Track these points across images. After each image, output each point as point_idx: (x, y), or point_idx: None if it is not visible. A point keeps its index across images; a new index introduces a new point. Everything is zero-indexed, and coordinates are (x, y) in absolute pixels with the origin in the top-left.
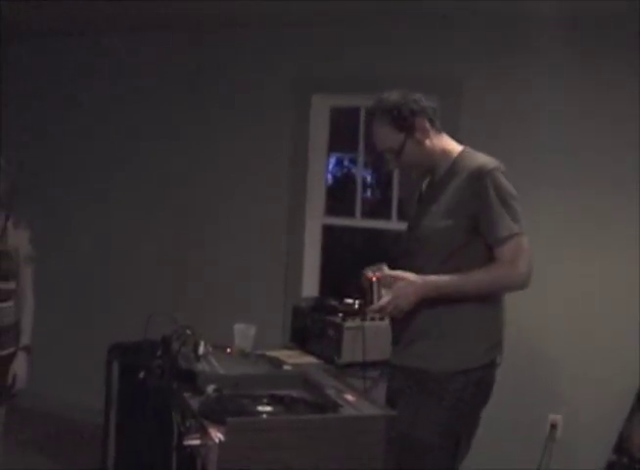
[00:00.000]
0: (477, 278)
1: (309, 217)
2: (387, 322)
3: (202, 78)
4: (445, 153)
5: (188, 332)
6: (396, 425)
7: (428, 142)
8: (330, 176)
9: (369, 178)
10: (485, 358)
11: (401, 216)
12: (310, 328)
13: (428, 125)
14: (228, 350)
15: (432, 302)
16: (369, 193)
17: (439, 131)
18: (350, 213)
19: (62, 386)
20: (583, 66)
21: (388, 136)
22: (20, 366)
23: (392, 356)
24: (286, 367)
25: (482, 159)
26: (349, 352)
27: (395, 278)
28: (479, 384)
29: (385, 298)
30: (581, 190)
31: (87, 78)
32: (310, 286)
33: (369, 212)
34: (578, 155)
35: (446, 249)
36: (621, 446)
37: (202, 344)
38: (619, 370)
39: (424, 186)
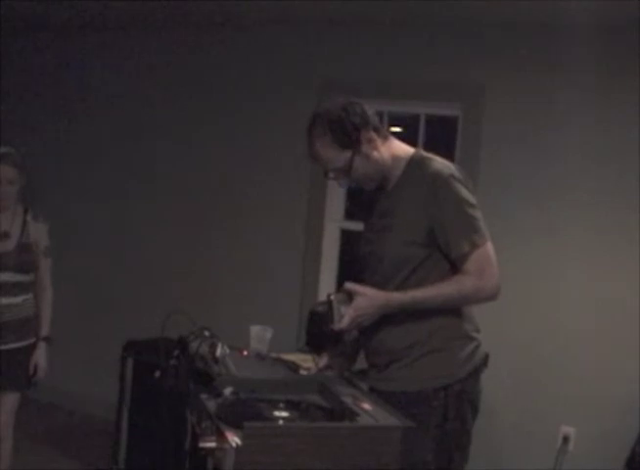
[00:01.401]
0: (443, 293)
1: (328, 221)
2: None
3: (221, 78)
4: (396, 159)
5: (206, 333)
6: None
7: (376, 153)
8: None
9: None
10: (464, 370)
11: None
12: (326, 332)
13: (374, 136)
14: (244, 352)
15: (399, 324)
16: None
17: (386, 138)
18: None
19: (76, 380)
20: (608, 75)
21: (333, 156)
22: (40, 356)
23: (369, 379)
24: (302, 371)
25: (436, 165)
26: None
27: (355, 293)
28: (461, 396)
29: (345, 317)
30: (608, 198)
31: (94, 73)
32: (327, 290)
33: None
34: (603, 163)
35: (408, 265)
36: (634, 460)
37: (219, 345)
38: (634, 383)
39: (377, 193)
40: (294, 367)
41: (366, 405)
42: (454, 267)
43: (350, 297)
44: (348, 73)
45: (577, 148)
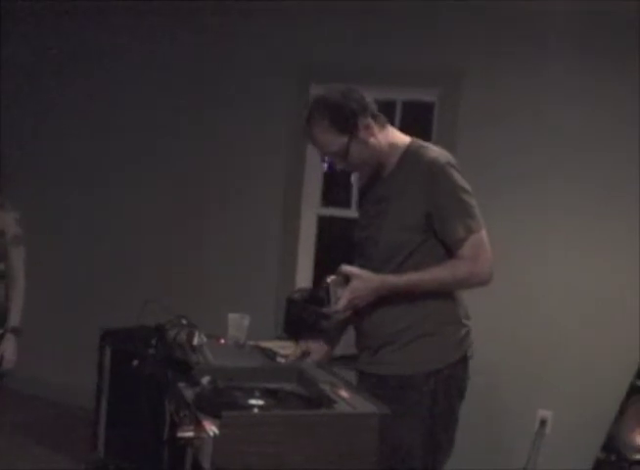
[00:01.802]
0: (437, 277)
1: (305, 207)
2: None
3: (199, 67)
4: (393, 147)
5: (183, 321)
6: None
7: (373, 139)
8: (325, 166)
9: None
10: (456, 355)
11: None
12: (304, 320)
13: (371, 122)
14: (222, 340)
15: (392, 307)
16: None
17: (384, 125)
18: (345, 204)
19: (54, 369)
20: (584, 61)
21: (330, 140)
22: (7, 348)
23: (359, 363)
24: (279, 359)
25: (432, 153)
26: (342, 345)
27: (350, 275)
28: (449, 381)
29: (341, 299)
30: (580, 185)
31: (83, 63)
32: (304, 277)
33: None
34: (579, 150)
35: (404, 250)
36: (610, 444)
37: (197, 334)
38: (610, 367)
39: (372, 180)
40: (271, 355)
41: (343, 393)
42: (449, 253)
43: (346, 279)
44: (325, 59)
45: (555, 135)
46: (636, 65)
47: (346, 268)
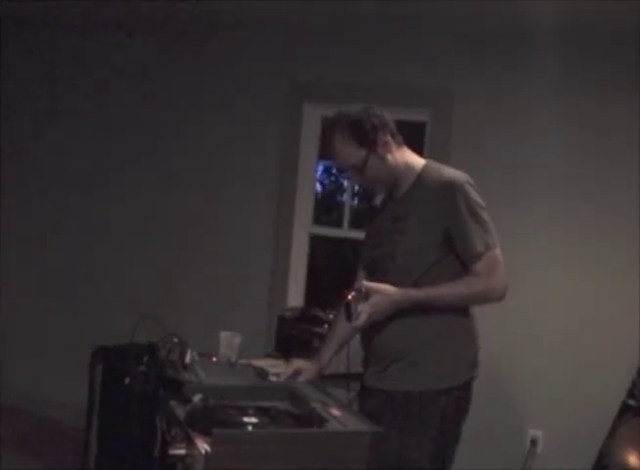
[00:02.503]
0: (455, 292)
1: (297, 226)
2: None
3: (194, 84)
4: (409, 167)
5: (175, 339)
6: (382, 451)
7: (390, 157)
8: (318, 184)
9: (356, 187)
10: (467, 375)
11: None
12: (295, 338)
13: (390, 139)
14: (214, 358)
15: (406, 322)
16: (356, 202)
17: (401, 145)
18: (337, 224)
19: (46, 386)
20: (577, 79)
21: (349, 153)
22: None
23: (367, 378)
24: (271, 378)
25: (450, 172)
26: (334, 363)
27: (370, 290)
28: (459, 401)
29: (362, 314)
30: (570, 200)
31: (82, 63)
32: (296, 295)
33: (355, 222)
34: (569, 164)
35: (421, 266)
36: (601, 464)
37: (188, 352)
38: (601, 386)
39: (385, 201)
40: (263, 374)
41: (335, 411)
42: (465, 270)
43: (366, 295)
44: (317, 79)
45: (548, 153)
46: (626, 80)
47: (366, 284)
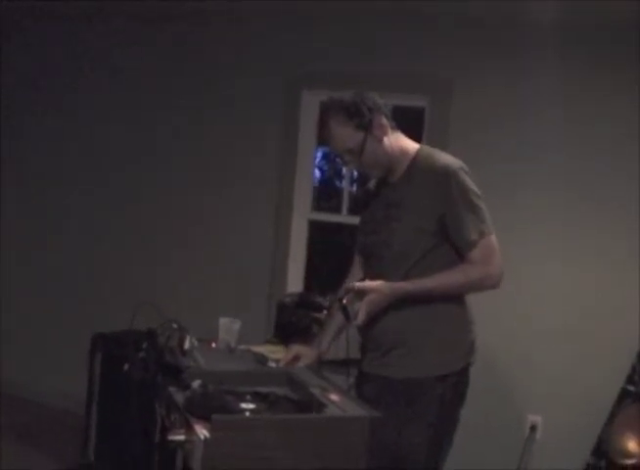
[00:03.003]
0: (451, 280)
1: (296, 213)
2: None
3: (191, 71)
4: (403, 152)
5: (174, 325)
6: (381, 437)
7: (386, 140)
8: (316, 171)
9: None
10: (465, 361)
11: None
12: (295, 324)
13: (385, 122)
14: (213, 344)
15: (404, 310)
16: (354, 188)
17: (395, 129)
18: (336, 210)
19: (45, 373)
20: (574, 68)
21: (346, 136)
22: None
23: (365, 365)
24: (270, 364)
25: (445, 158)
26: (333, 349)
27: (365, 290)
28: (457, 386)
29: (360, 314)
30: (569, 192)
31: (82, 63)
32: (295, 281)
33: (354, 208)
34: (568, 157)
35: (417, 253)
36: (600, 450)
37: (187, 338)
38: (601, 372)
39: (378, 186)
40: (262, 359)
41: (334, 396)
42: (460, 257)
43: (360, 293)
44: (316, 66)
45: (546, 141)
46: (626, 73)
47: (359, 285)
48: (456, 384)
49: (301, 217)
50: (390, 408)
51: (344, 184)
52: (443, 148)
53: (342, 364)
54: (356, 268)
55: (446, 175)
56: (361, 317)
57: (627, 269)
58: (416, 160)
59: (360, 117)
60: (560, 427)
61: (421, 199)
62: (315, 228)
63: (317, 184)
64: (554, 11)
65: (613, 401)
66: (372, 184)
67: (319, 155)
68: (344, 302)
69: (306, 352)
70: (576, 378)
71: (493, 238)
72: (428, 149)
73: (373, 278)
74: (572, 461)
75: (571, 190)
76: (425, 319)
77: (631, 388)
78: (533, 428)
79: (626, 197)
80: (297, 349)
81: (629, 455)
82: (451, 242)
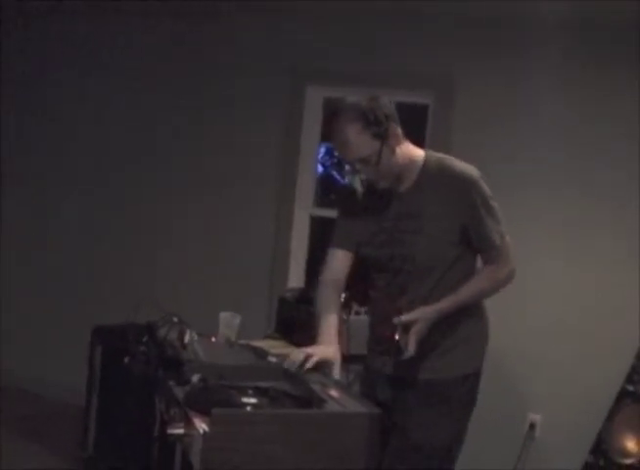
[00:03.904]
0: (480, 288)
1: (298, 208)
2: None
3: (195, 65)
4: (411, 160)
5: (174, 319)
6: (408, 437)
7: (398, 150)
8: (319, 166)
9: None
10: (484, 356)
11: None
12: (295, 319)
13: (399, 131)
14: (213, 338)
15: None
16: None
17: (403, 137)
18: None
19: (45, 366)
20: (574, 68)
21: (362, 144)
22: None
23: (387, 367)
24: (270, 358)
25: (461, 166)
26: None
27: (410, 323)
28: (477, 381)
29: (410, 346)
30: (573, 191)
31: (80, 63)
32: (296, 277)
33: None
34: (568, 156)
35: (443, 265)
36: (599, 448)
37: (188, 332)
38: (600, 372)
39: (381, 195)
40: (262, 354)
41: (334, 393)
42: (482, 259)
43: (406, 326)
44: (320, 61)
45: (546, 140)
46: (626, 73)
47: (405, 319)
48: (476, 378)
49: (303, 213)
50: (421, 410)
51: (348, 180)
52: (447, 142)
53: (344, 361)
54: (336, 264)
55: (468, 184)
56: (411, 349)
57: (627, 269)
58: (426, 167)
59: (378, 125)
60: (559, 425)
61: (441, 209)
62: (317, 223)
63: (319, 179)
64: (554, 10)
65: (612, 401)
66: (360, 190)
67: (322, 150)
68: (397, 337)
69: (331, 356)
70: (576, 377)
71: (508, 236)
72: (435, 155)
73: (395, 292)
74: (571, 460)
75: (571, 189)
76: (452, 323)
77: (631, 387)
78: (533, 426)
79: (626, 197)
80: (319, 353)
81: (628, 455)
82: (473, 248)
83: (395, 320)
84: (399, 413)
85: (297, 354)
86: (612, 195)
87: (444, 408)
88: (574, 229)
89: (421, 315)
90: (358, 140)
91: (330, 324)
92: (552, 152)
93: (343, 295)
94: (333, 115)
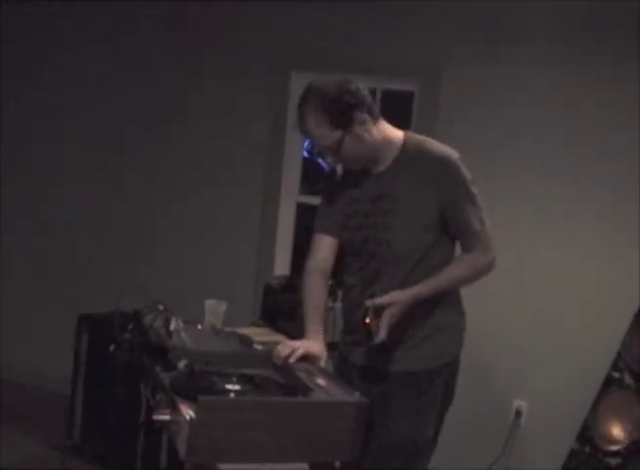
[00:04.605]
0: (459, 274)
1: (284, 195)
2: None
3: (181, 52)
4: (387, 141)
5: (160, 307)
6: (395, 428)
7: (367, 135)
8: (305, 153)
9: None
10: (461, 344)
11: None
12: (281, 307)
13: (367, 118)
14: (199, 326)
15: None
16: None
17: (378, 119)
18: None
19: (30, 354)
20: (562, 52)
21: (322, 134)
22: None
23: (360, 358)
24: (256, 346)
25: (440, 148)
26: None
27: (385, 305)
28: (455, 369)
29: (381, 330)
30: (557, 180)
31: (63, 39)
32: (282, 264)
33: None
34: (558, 144)
35: (420, 249)
36: (584, 435)
37: (173, 319)
38: (585, 359)
39: (357, 176)
40: (248, 342)
41: (320, 381)
42: (461, 246)
43: (378, 310)
44: (304, 48)
45: (533, 124)
46: (621, 62)
47: (378, 301)
48: (455, 367)
49: (289, 200)
50: (402, 401)
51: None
52: (433, 128)
53: (328, 348)
54: (321, 249)
55: (446, 167)
56: (382, 333)
57: (628, 261)
58: (405, 149)
59: (338, 115)
60: (545, 413)
61: (418, 191)
62: (303, 211)
63: (305, 166)
64: None
65: (598, 387)
66: (339, 173)
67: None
68: (367, 320)
69: (317, 351)
70: (562, 364)
71: (487, 222)
72: (415, 137)
73: (369, 276)
74: (557, 447)
75: (568, 178)
76: (428, 309)
77: (616, 374)
78: (518, 413)
79: (627, 190)
80: (306, 347)
81: (614, 441)
82: (451, 235)
83: (368, 303)
84: (376, 405)
85: (282, 348)
86: (611, 187)
87: (422, 399)
88: (561, 212)
89: (395, 299)
90: (317, 131)
91: (315, 315)
92: (537, 140)
93: (330, 282)
94: (300, 98)
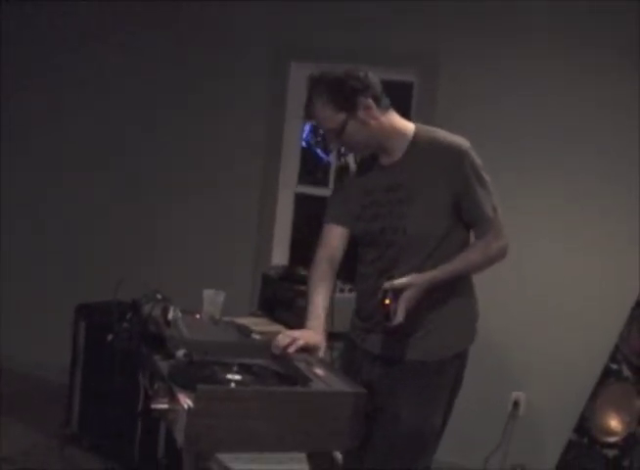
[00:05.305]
0: (473, 260)
1: (282, 185)
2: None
3: (179, 42)
4: (398, 132)
5: (158, 296)
6: (393, 418)
7: (373, 122)
8: (303, 144)
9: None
10: (474, 336)
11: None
12: (279, 297)
13: (372, 104)
14: (197, 315)
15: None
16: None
17: (387, 109)
18: (323, 183)
19: (29, 344)
20: (566, 47)
21: (327, 116)
22: None
23: (375, 346)
24: (254, 336)
25: (452, 138)
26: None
27: (402, 287)
28: (465, 359)
29: (399, 313)
30: (556, 173)
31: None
32: (280, 254)
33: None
34: (556, 137)
35: (434, 236)
36: (582, 427)
37: (171, 308)
38: (583, 350)
39: (370, 168)
40: (246, 332)
41: (319, 371)
42: (475, 233)
43: (396, 291)
44: (303, 40)
45: (532, 114)
46: (624, 51)
47: (397, 283)
48: (465, 357)
49: (288, 190)
50: (408, 390)
51: (331, 158)
52: (431, 121)
53: (328, 338)
54: (331, 240)
55: (458, 155)
56: (400, 316)
57: (629, 256)
58: (416, 140)
59: (342, 98)
60: (543, 404)
61: (432, 180)
62: (301, 201)
63: (303, 157)
64: None
65: (596, 379)
66: (353, 165)
67: (307, 128)
68: (387, 302)
69: (317, 341)
70: (560, 356)
71: (500, 209)
72: (425, 128)
73: (386, 265)
74: (555, 438)
75: (569, 172)
76: (442, 303)
77: (614, 366)
78: (516, 404)
79: (628, 183)
80: (306, 337)
81: (611, 433)
82: (464, 221)
83: (387, 285)
84: (384, 394)
85: (282, 338)
86: (614, 180)
87: (431, 389)
88: (561, 205)
89: (412, 281)
90: (322, 113)
91: (318, 306)
92: (536, 129)
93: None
94: (309, 85)
